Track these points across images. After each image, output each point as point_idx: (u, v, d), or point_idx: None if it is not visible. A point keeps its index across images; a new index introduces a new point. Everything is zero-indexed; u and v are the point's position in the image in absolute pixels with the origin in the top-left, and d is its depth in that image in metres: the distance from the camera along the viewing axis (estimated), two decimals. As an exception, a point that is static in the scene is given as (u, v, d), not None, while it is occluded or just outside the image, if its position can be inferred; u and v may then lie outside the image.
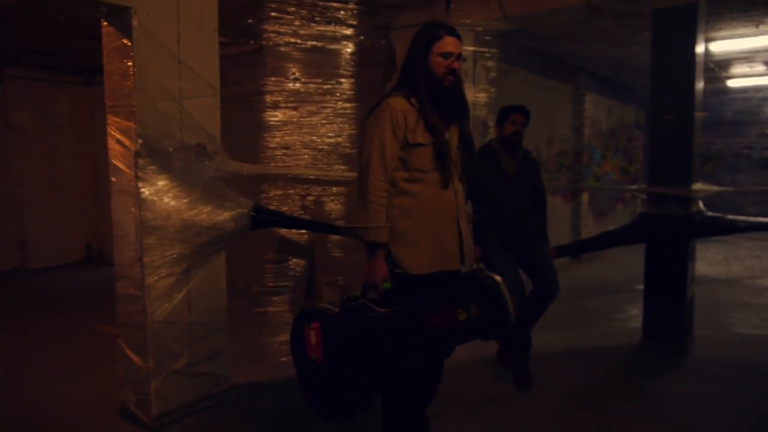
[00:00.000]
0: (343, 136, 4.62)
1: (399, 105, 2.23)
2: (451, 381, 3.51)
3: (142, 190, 2.82)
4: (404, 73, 2.34)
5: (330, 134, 4.52)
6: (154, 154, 2.87)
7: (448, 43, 2.24)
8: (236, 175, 3.30)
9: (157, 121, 2.87)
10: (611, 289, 5.98)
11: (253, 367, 3.72)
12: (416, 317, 2.03)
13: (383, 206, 2.21)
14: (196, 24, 3.03)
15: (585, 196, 7.65)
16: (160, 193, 2.88)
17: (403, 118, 2.21)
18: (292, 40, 4.65)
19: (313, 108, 4.77)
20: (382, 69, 5.06)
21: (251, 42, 5.86)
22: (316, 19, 4.57)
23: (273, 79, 5.17)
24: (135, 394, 2.98)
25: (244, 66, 5.98)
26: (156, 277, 2.88)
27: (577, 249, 3.89)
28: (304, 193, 3.79)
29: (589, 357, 3.96)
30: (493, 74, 5.26)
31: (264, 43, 5.61)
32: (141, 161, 2.82)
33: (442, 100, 2.26)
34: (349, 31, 4.84)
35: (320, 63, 5.03)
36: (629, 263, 5.68)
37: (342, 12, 4.58)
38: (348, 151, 4.56)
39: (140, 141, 2.80)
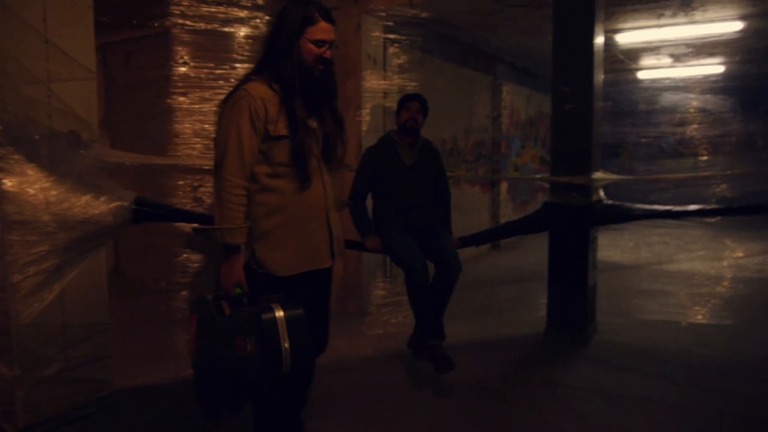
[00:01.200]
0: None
1: (259, 92, 2.01)
2: (349, 377, 3.46)
3: (4, 181, 2.57)
4: (268, 55, 2.09)
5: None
6: (18, 142, 2.62)
7: (323, 29, 2.06)
8: (119, 165, 3.06)
9: (21, 105, 2.61)
10: (526, 277, 6.07)
11: (150, 369, 3.51)
12: (227, 337, 1.90)
13: (240, 205, 2.01)
14: (66, 0, 2.78)
15: (504, 186, 7.75)
16: (24, 184, 2.63)
17: (263, 107, 2.00)
18: (190, 23, 4.41)
19: (207, 95, 4.53)
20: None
21: (156, 25, 5.56)
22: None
23: (175, 63, 4.90)
24: (2, 405, 2.73)
25: (149, 50, 5.67)
26: (21, 277, 2.63)
27: (480, 239, 3.86)
28: (196, 185, 3.60)
29: (495, 347, 3.98)
30: (404, 62, 5.17)
31: (169, 25, 5.33)
32: (1, 150, 2.56)
33: (310, 90, 2.07)
34: (243, 14, 4.63)
35: (214, 47, 4.81)
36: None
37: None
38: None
39: (0, 128, 2.55)
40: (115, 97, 5.95)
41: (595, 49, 3.84)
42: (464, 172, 6.82)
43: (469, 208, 6.96)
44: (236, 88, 2.08)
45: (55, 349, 2.79)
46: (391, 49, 5.06)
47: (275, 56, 2.07)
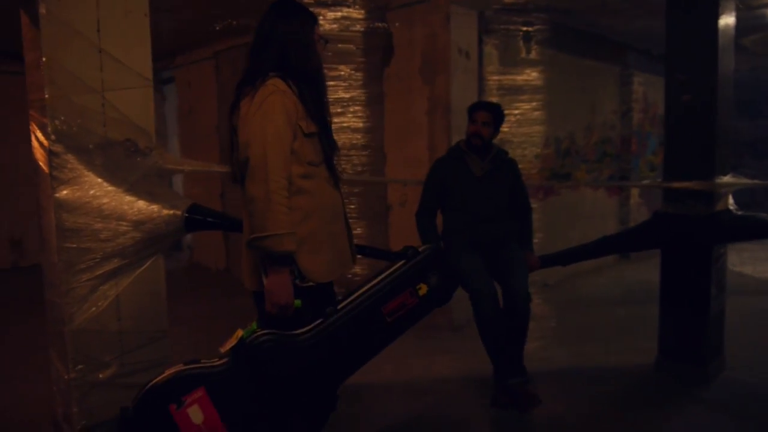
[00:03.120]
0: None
1: (284, 88, 1.95)
2: (410, 402, 3.15)
3: (58, 189, 2.64)
4: (281, 52, 2.02)
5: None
6: (71, 152, 2.67)
7: (319, 29, 2.14)
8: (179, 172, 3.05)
9: (74, 115, 2.66)
10: (653, 296, 5.30)
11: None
12: (375, 311, 1.98)
13: (287, 207, 1.88)
14: (120, 10, 2.79)
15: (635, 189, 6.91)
16: (78, 192, 2.68)
17: (293, 103, 1.94)
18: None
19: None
20: (379, 54, 4.68)
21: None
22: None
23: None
24: (61, 407, 2.82)
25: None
26: (76, 283, 2.69)
27: (566, 257, 3.33)
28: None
29: (590, 379, 3.45)
30: (505, 56, 4.74)
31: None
32: (56, 160, 2.63)
33: (321, 86, 2.11)
34: (358, 14, 4.49)
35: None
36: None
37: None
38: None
39: (53, 137, 2.61)
40: (224, 103, 6.16)
41: (722, 26, 3.15)
42: (584, 173, 6.15)
43: (591, 213, 6.27)
44: (252, 85, 1.98)
45: (111, 355, 2.82)
46: (490, 42, 4.64)
47: (297, 51, 2.03)
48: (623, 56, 6.62)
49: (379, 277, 2.08)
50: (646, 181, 6.55)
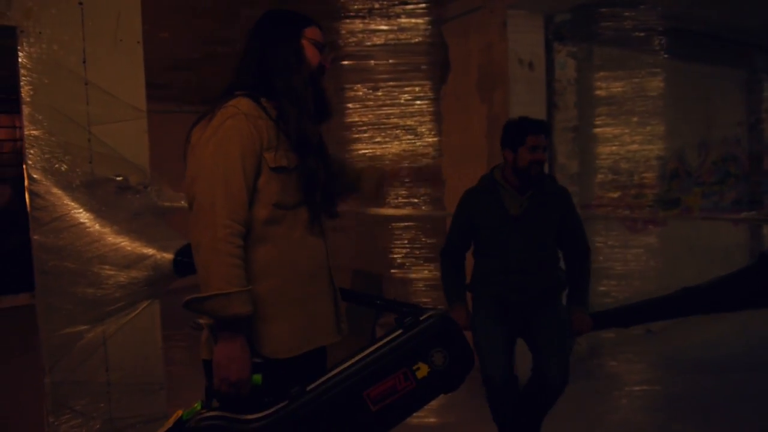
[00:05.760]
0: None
1: (250, 110, 1.58)
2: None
3: (38, 231, 2.49)
4: (255, 65, 1.66)
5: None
6: (55, 191, 2.52)
7: (318, 32, 1.71)
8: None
9: (57, 151, 2.52)
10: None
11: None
12: (355, 395, 1.51)
13: (242, 260, 1.51)
14: (109, 38, 2.63)
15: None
16: (59, 233, 2.52)
17: (258, 130, 1.57)
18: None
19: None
20: (437, 69, 4.22)
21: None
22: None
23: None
24: (46, 463, 2.65)
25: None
26: (55, 330, 2.52)
27: (629, 317, 2.60)
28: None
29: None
30: (586, 64, 4.09)
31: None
32: (37, 200, 2.49)
33: (319, 105, 1.69)
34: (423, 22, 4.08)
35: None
36: None
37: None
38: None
39: (34, 176, 2.48)
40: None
41: None
42: (698, 198, 5.18)
43: (710, 246, 5.25)
44: (214, 106, 1.61)
45: (96, 408, 2.62)
46: (564, 50, 4.01)
47: (275, 65, 1.64)
48: (748, 57, 5.57)
49: (365, 351, 1.61)
50: (742, 214, 5.38)
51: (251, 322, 1.55)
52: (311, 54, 1.68)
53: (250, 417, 1.50)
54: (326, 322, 1.70)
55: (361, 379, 1.53)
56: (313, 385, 1.54)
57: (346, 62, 4.08)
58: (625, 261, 4.27)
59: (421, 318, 1.61)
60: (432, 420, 3.15)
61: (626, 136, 4.42)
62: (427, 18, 3.50)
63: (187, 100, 6.05)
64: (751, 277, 2.59)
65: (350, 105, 3.94)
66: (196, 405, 1.59)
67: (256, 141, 1.55)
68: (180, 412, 1.59)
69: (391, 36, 3.50)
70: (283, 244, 1.61)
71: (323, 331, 1.69)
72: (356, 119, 3.93)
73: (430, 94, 3.89)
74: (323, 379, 1.55)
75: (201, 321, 1.59)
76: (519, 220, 2.46)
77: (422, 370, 1.56)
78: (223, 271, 1.46)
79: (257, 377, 1.53)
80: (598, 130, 4.19)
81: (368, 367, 1.54)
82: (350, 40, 3.57)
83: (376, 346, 1.59)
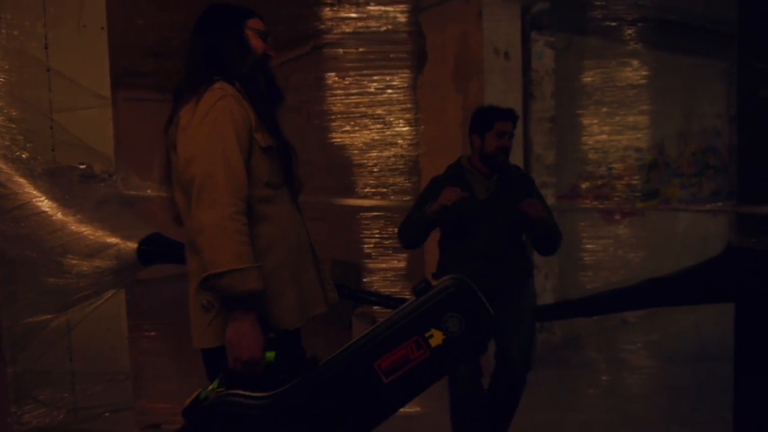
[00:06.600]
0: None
1: (234, 93, 1.61)
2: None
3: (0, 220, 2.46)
4: (212, 55, 1.67)
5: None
6: (17, 179, 2.49)
7: (260, 22, 1.76)
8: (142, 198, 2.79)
9: (18, 139, 2.49)
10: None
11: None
12: (365, 367, 1.42)
13: (249, 236, 1.51)
14: (72, 24, 2.59)
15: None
16: (20, 222, 2.49)
17: (247, 110, 1.60)
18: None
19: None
20: (414, 59, 4.19)
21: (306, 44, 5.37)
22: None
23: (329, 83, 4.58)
24: (9, 453, 2.64)
25: (302, 71, 5.51)
26: (17, 320, 2.50)
27: (594, 307, 2.59)
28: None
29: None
30: (564, 55, 4.06)
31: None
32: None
33: (271, 89, 1.75)
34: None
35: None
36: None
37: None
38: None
39: (-3, 164, 2.44)
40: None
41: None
42: (677, 189, 5.20)
43: (687, 236, 5.28)
44: (194, 87, 1.61)
45: (60, 398, 2.61)
46: (542, 39, 3.99)
47: (224, 52, 1.67)
48: (731, 50, 5.56)
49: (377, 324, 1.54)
50: (707, 206, 5.40)
51: (262, 298, 1.55)
52: (255, 43, 1.72)
53: (261, 395, 1.46)
54: (316, 293, 1.76)
55: (370, 349, 1.45)
56: (325, 360, 1.48)
57: (323, 50, 4.05)
58: (602, 251, 4.29)
59: (433, 284, 1.51)
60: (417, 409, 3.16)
61: (605, 126, 4.41)
62: (400, 6, 3.47)
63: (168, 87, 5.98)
64: (714, 269, 2.60)
65: (321, 93, 3.93)
66: (213, 384, 1.56)
67: (246, 121, 1.58)
68: (198, 392, 1.56)
69: (360, 24, 3.47)
70: (279, 221, 1.66)
71: (315, 301, 1.75)
72: (327, 108, 3.92)
73: (403, 83, 3.87)
74: (336, 352, 1.49)
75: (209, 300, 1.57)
76: (486, 204, 2.44)
77: (436, 338, 1.46)
78: (234, 248, 1.46)
79: (270, 354, 1.51)
80: (576, 120, 4.18)
81: (377, 336, 1.45)
82: (322, 27, 3.55)
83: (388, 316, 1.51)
